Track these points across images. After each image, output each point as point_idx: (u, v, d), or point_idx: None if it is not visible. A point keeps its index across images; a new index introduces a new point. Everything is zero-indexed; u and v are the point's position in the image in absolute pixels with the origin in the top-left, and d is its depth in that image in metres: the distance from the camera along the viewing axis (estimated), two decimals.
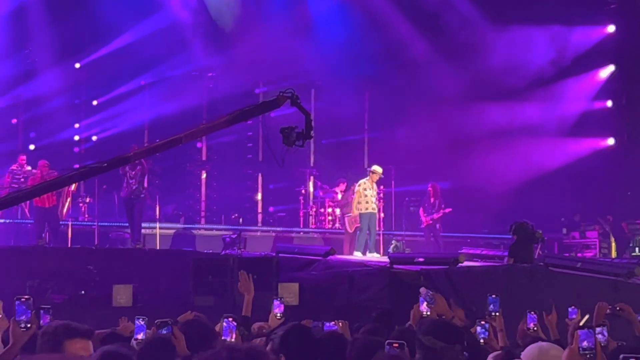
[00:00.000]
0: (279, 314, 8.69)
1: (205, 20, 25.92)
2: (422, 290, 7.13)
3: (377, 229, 22.74)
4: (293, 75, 25.74)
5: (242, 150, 27.31)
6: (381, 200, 25.02)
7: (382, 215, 24.98)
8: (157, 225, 22.63)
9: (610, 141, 28.13)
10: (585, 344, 5.27)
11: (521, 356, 5.95)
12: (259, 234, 25.06)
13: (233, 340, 7.19)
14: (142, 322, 7.22)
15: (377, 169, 21.13)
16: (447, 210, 24.05)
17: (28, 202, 20.04)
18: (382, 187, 25.18)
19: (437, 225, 23.85)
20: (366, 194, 20.79)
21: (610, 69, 28.11)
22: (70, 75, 25.40)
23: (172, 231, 23.54)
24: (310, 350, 5.51)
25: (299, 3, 26.95)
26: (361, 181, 21.11)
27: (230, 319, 7.31)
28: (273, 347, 5.53)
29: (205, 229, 24.68)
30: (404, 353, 5.78)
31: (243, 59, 25.63)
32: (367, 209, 20.78)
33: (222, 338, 7.21)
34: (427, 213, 23.66)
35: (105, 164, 10.32)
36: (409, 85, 26.70)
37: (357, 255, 20.30)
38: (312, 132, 10.81)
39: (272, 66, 26.23)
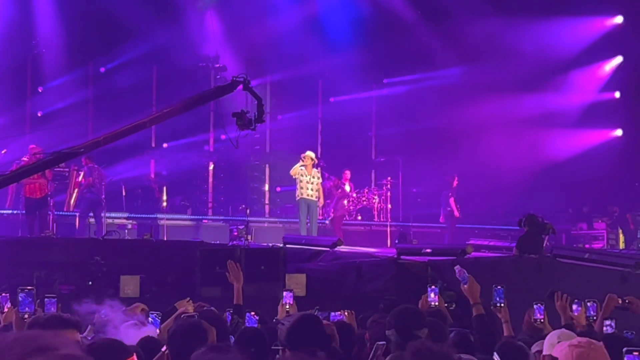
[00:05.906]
0: (287, 306, 8.64)
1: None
2: (457, 268, 7.18)
3: (386, 220, 22.54)
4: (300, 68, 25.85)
5: (250, 141, 27.21)
6: (389, 192, 24.96)
7: (389, 206, 24.93)
8: (165, 216, 22.62)
9: (618, 132, 28.09)
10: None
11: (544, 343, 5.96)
12: (266, 225, 25.03)
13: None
14: (156, 317, 7.21)
15: (308, 154, 20.58)
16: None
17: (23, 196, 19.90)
18: (389, 177, 25.11)
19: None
20: (301, 180, 20.49)
21: (618, 60, 28.04)
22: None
23: (179, 222, 23.53)
24: (320, 341, 5.32)
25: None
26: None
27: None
28: (280, 338, 5.42)
29: (213, 220, 24.67)
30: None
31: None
32: (301, 195, 20.53)
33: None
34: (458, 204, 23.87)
35: (82, 149, 10.44)
36: (417, 77, 26.63)
37: None
38: (263, 116, 11.14)
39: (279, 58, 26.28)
